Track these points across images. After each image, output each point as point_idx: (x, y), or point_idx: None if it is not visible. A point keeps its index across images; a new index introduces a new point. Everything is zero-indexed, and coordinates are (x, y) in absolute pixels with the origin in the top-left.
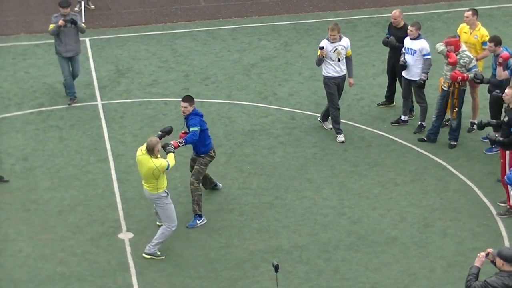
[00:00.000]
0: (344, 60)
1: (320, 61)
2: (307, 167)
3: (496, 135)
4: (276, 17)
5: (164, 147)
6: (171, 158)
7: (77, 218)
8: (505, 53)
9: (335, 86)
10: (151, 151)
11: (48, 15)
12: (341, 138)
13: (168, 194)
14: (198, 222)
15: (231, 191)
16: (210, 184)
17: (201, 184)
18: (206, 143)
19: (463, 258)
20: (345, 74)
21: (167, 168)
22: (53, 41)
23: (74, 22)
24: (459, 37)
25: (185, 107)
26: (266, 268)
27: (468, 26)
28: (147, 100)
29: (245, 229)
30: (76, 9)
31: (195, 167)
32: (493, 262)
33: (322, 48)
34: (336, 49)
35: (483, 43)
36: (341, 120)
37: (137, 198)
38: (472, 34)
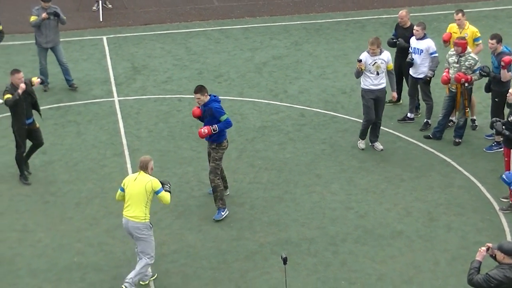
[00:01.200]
0: (384, 74)
1: (358, 73)
2: (316, 163)
3: (503, 127)
4: (287, 17)
5: (163, 184)
6: (167, 195)
7: (94, 210)
8: (507, 58)
9: (371, 100)
10: (144, 167)
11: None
12: (361, 145)
13: (152, 227)
14: (222, 213)
15: (242, 185)
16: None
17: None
18: (222, 132)
19: (467, 251)
20: (383, 88)
21: (158, 192)
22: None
23: (56, 15)
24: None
25: (198, 98)
26: (275, 260)
27: (457, 26)
28: (161, 96)
29: (256, 222)
30: (93, 8)
31: (210, 164)
32: (493, 256)
33: (360, 60)
34: (376, 62)
35: (475, 39)
36: (350, 119)
37: None
38: (463, 33)
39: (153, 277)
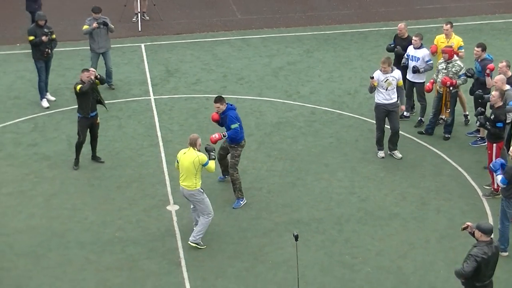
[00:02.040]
0: (394, 90)
1: (371, 89)
2: (324, 154)
3: (486, 122)
4: (300, 28)
5: (208, 151)
6: (212, 164)
7: (132, 192)
8: (491, 65)
9: (383, 113)
10: (193, 144)
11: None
12: (381, 154)
13: (203, 191)
14: (241, 202)
15: (260, 172)
16: (225, 170)
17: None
18: (239, 135)
19: (453, 231)
20: (394, 102)
21: (205, 165)
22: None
23: (105, 24)
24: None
25: (217, 107)
26: (288, 236)
27: (445, 36)
28: (191, 96)
29: (272, 204)
30: (133, 20)
31: (230, 160)
32: (472, 234)
33: (372, 77)
34: (387, 79)
35: (459, 48)
36: (354, 116)
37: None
38: (449, 42)
39: (204, 247)
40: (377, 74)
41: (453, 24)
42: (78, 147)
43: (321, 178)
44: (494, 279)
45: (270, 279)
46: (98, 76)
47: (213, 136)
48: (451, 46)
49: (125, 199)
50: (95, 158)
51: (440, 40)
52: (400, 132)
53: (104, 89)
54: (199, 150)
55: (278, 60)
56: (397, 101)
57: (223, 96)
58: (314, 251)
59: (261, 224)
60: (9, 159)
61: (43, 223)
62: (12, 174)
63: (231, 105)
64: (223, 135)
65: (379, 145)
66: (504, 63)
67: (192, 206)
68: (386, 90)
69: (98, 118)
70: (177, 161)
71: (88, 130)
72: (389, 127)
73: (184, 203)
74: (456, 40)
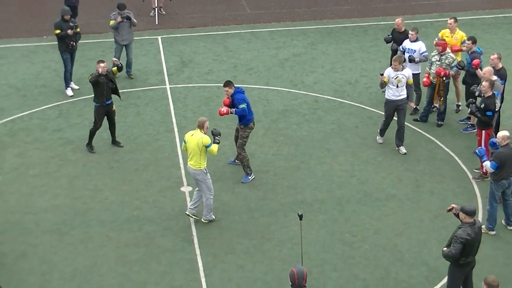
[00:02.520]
0: (404, 87)
1: (381, 85)
2: (327, 139)
3: (477, 110)
4: (305, 23)
5: (214, 135)
6: (215, 147)
7: (149, 174)
8: (476, 61)
9: (392, 109)
10: (201, 126)
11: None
12: (380, 140)
13: (207, 172)
14: (249, 178)
15: (267, 156)
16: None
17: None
18: (248, 116)
19: (445, 212)
20: (404, 98)
21: (208, 146)
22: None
23: (128, 18)
24: (444, 40)
25: (226, 91)
26: (293, 216)
27: (449, 31)
28: (204, 85)
29: (278, 186)
30: (151, 14)
31: (238, 140)
32: (456, 215)
33: (382, 74)
34: (398, 76)
35: (463, 42)
36: (355, 104)
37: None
38: (453, 37)
39: (216, 219)
40: (388, 71)
41: (445, 19)
42: (93, 132)
43: (324, 162)
44: (483, 256)
45: (276, 255)
46: (120, 64)
47: (221, 109)
48: (444, 39)
49: (142, 180)
50: (114, 142)
51: (445, 35)
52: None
53: (124, 78)
54: (205, 133)
55: (284, 52)
56: (407, 98)
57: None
58: (316, 229)
59: (268, 205)
60: (36, 143)
61: (67, 202)
62: (39, 157)
63: (240, 88)
64: (230, 111)
65: (381, 133)
66: (496, 55)
67: (196, 188)
68: (397, 87)
69: (114, 106)
70: (184, 141)
71: (106, 117)
72: (396, 121)
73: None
74: (460, 35)
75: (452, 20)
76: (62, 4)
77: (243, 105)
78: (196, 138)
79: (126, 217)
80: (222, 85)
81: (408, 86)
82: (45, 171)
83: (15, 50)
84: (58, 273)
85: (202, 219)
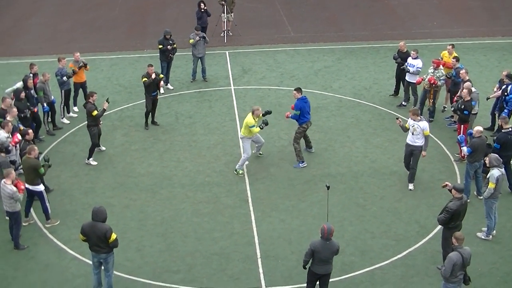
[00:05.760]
0: (420, 136)
1: (402, 128)
2: (347, 129)
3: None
4: (333, 43)
5: (263, 121)
6: (255, 130)
7: (217, 151)
8: (462, 72)
9: (409, 151)
10: (252, 111)
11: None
12: (411, 186)
13: (249, 139)
14: (300, 165)
15: (303, 141)
16: (306, 144)
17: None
18: (300, 120)
19: (433, 185)
20: (418, 145)
21: (250, 127)
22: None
23: (204, 38)
24: (442, 59)
25: (294, 94)
26: (322, 185)
27: (448, 53)
28: (258, 87)
29: (311, 162)
30: (221, 35)
31: (294, 135)
32: (450, 191)
33: (397, 118)
34: (413, 126)
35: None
36: (369, 104)
37: (253, 143)
38: (450, 58)
39: (241, 172)
40: (409, 120)
41: (436, 43)
42: (147, 115)
43: (344, 145)
44: (463, 222)
45: (308, 213)
46: (159, 77)
47: (287, 114)
48: (438, 59)
49: (212, 156)
50: (153, 122)
51: (445, 55)
52: (399, 115)
53: (200, 81)
54: (256, 117)
55: (318, 64)
56: (421, 146)
57: (301, 88)
58: (338, 195)
59: (304, 176)
60: (137, 127)
61: (158, 170)
62: (138, 137)
63: (304, 97)
64: (290, 116)
65: (410, 180)
66: (463, 71)
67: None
68: (412, 134)
69: (158, 96)
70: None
71: (151, 104)
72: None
73: (251, 159)
74: (455, 56)
75: (451, 46)
76: (157, 27)
77: (296, 112)
78: (247, 118)
79: (200, 181)
80: (271, 87)
81: (425, 137)
82: (143, 147)
83: (124, 59)
84: (151, 220)
85: (235, 170)
